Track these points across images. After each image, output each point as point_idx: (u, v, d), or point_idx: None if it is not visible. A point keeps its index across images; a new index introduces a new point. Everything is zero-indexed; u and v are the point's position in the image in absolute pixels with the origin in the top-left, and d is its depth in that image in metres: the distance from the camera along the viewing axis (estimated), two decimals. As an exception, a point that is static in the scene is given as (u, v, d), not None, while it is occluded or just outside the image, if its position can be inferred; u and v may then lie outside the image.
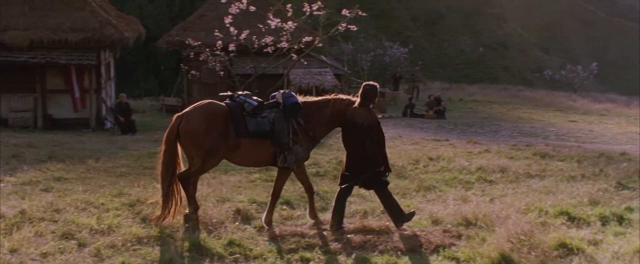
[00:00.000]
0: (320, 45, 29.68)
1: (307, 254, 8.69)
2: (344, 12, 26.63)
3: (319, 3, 26.81)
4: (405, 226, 9.99)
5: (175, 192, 9.91)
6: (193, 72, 32.41)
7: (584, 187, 13.09)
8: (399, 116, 34.16)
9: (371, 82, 10.50)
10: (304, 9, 26.92)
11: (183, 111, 9.92)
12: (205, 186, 12.12)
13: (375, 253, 8.82)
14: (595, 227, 10.22)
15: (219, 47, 27.85)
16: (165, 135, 9.95)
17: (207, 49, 28.51)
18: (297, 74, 34.39)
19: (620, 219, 10.67)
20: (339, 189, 10.33)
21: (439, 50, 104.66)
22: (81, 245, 8.66)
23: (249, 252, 8.75)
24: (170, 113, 34.23)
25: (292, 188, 12.59)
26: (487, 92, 56.29)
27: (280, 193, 10.51)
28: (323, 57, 39.65)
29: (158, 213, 9.90)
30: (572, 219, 10.66)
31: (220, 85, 36.11)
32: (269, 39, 27.02)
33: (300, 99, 10.30)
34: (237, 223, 10.01)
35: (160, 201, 9.90)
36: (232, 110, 9.80)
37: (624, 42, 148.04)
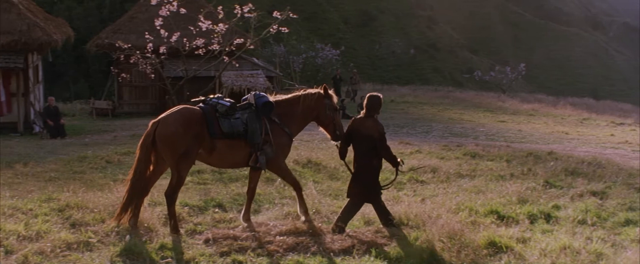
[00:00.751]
0: (252, 47, 29.60)
1: (240, 257, 8.68)
2: (275, 14, 26.59)
3: (250, 5, 26.74)
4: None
5: (139, 203, 9.95)
6: (124, 75, 32.06)
7: (512, 186, 13.32)
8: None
9: (375, 93, 10.80)
10: (235, 11, 26.81)
11: (158, 117, 9.96)
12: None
13: (308, 255, 8.85)
14: (524, 225, 10.42)
15: (149, 50, 27.57)
16: (141, 142, 9.94)
17: (138, 52, 28.19)
18: (229, 76, 34.27)
19: (548, 217, 10.90)
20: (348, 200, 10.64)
21: (371, 51, 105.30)
22: (8, 252, 8.48)
23: (181, 256, 8.70)
24: (100, 116, 33.90)
25: (225, 191, 12.55)
26: (418, 94, 56.80)
27: (255, 192, 10.76)
28: (255, 60, 39.63)
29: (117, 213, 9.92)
30: (502, 218, 10.85)
31: (152, 88, 35.91)
32: (200, 42, 26.84)
33: (272, 98, 10.57)
34: (169, 227, 9.91)
35: (121, 204, 9.93)
36: (206, 113, 9.90)
37: (551, 43, 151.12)
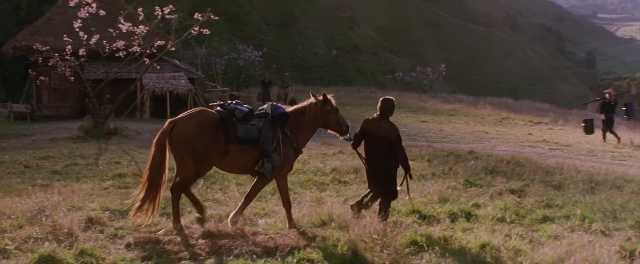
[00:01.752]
0: (173, 49, 29.23)
1: (162, 261, 8.60)
2: (196, 15, 26.35)
3: (171, 6, 26.47)
4: (260, 229, 10.06)
5: (157, 197, 10.16)
6: (42, 77, 31.37)
7: (434, 185, 13.53)
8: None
9: (389, 97, 11.39)
10: (156, 13, 26.48)
11: (176, 117, 10.21)
12: (56, 195, 11.76)
13: (231, 258, 8.82)
14: (445, 224, 10.59)
15: (68, 52, 27.02)
16: (156, 139, 10.19)
17: (56, 54, 27.60)
18: (150, 78, 33.92)
19: (468, 216, 11.10)
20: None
21: (293, 53, 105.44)
22: None
23: (102, 261, 8.58)
24: (18, 120, 33.11)
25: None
26: (341, 95, 56.87)
27: (253, 198, 10.84)
28: (177, 61, 39.27)
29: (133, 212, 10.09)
30: (423, 217, 11.00)
31: (71, 91, 35.27)
32: (120, 43, 26.39)
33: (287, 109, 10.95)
34: (89, 232, 9.76)
35: (138, 203, 10.05)
36: (223, 117, 10.21)
37: (470, 44, 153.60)
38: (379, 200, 10.87)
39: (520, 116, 41.99)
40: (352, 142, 11.44)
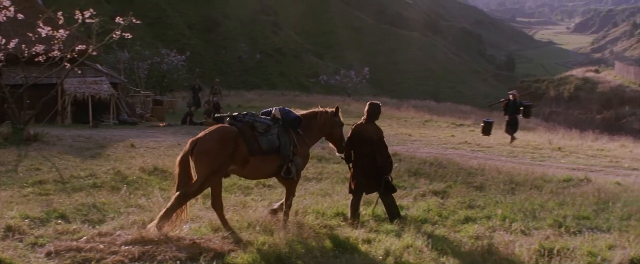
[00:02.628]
0: (95, 53, 28.86)
1: (84, 269, 8.49)
2: (118, 19, 26.06)
3: (92, 10, 26.10)
4: (184, 234, 9.99)
5: (183, 211, 10.33)
6: (-42, 83, 30.65)
7: (358, 188, 13.60)
8: (178, 124, 33.89)
9: (376, 101, 12.12)
10: (76, 17, 26.06)
11: (196, 137, 10.50)
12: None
13: (154, 264, 8.75)
14: (369, 226, 10.68)
15: (-15, 57, 26.46)
16: (179, 158, 10.41)
17: (-27, 59, 27.01)
18: (71, 83, 33.36)
19: (391, 218, 11.20)
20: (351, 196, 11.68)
21: (217, 57, 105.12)
22: None
23: (22, 270, 8.42)
24: None
25: (68, 201, 12.22)
26: (265, 98, 57.07)
27: (292, 200, 11.15)
28: (98, 66, 38.71)
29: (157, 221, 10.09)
30: (348, 219, 11.08)
31: (-11, 96, 34.44)
32: (40, 48, 25.91)
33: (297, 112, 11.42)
34: (8, 241, 9.56)
35: (163, 212, 10.12)
36: (243, 131, 10.50)
37: (393, 47, 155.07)
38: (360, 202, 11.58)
39: (442, 118, 42.66)
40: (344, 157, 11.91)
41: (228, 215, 10.88)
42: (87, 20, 26.20)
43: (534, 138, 30.24)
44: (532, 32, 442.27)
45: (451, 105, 69.35)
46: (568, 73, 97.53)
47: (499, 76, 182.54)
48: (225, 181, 15.02)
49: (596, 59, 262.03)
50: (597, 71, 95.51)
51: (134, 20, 26.24)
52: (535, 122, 55.13)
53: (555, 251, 9.10)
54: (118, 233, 10.08)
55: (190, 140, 10.57)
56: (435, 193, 13.50)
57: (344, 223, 10.95)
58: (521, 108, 27.80)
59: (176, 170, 10.46)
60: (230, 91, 64.51)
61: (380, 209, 11.65)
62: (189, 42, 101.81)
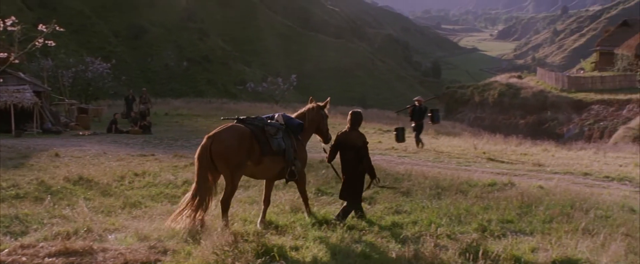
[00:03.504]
0: (17, 61, 28.30)
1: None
2: (41, 27, 25.60)
3: (13, 18, 25.60)
4: (108, 245, 9.86)
5: (206, 204, 10.94)
6: None
7: (286, 195, 13.55)
8: (103, 132, 33.46)
9: (357, 109, 12.72)
10: (-3, 24, 25.54)
11: (212, 133, 10.94)
12: None
13: (78, 275, 8.62)
14: (297, 233, 10.68)
15: None
16: (198, 154, 10.89)
17: None
18: (-7, 91, 32.68)
19: (320, 224, 11.22)
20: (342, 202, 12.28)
21: (143, 64, 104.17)
22: None
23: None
24: None
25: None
26: (193, 106, 56.74)
27: (306, 195, 12.26)
28: (21, 74, 37.98)
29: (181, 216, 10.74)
30: (276, 227, 11.07)
31: None
32: (-41, 56, 25.33)
33: (294, 116, 12.20)
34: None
35: (190, 208, 10.76)
36: (256, 132, 11.16)
37: (320, 54, 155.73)
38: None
39: (370, 125, 42.89)
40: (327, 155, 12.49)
41: (154, 224, 10.80)
42: (9, 28, 25.68)
43: (460, 143, 30.65)
44: (457, 39, 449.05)
45: (378, 111, 69.70)
46: (492, 79, 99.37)
47: (425, 82, 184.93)
48: (152, 190, 14.94)
49: (519, 65, 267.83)
50: (520, 77, 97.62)
51: (57, 28, 25.81)
52: (461, 128, 55.97)
53: (480, 255, 9.24)
54: (41, 244, 9.88)
55: (206, 136, 10.92)
56: (363, 200, 13.57)
57: (272, 230, 10.93)
58: (429, 114, 28.07)
59: (196, 165, 11.00)
60: (157, 99, 63.84)
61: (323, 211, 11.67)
62: (115, 50, 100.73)
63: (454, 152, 26.26)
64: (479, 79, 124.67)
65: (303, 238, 10.44)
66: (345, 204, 12.04)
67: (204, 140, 10.88)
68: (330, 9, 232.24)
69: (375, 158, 23.04)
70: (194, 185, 11.06)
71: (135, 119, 34.77)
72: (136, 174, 17.02)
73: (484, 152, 26.00)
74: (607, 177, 20.87)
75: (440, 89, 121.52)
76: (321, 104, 12.56)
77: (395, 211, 12.55)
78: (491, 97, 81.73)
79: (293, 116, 12.15)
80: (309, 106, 12.45)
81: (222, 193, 11.12)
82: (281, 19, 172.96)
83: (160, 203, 13.34)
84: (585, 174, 21.27)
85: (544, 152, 28.33)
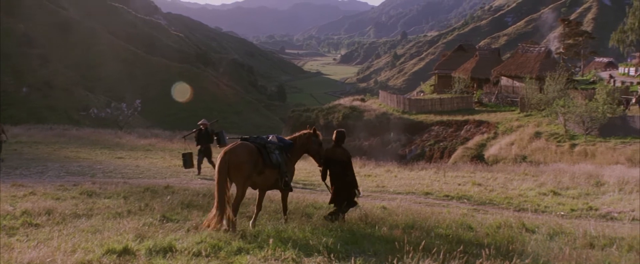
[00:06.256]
0: None
1: None
2: None
3: None
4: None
5: (227, 208, 13.04)
6: None
7: (130, 223, 13.34)
8: None
9: (341, 129, 14.79)
10: None
11: (228, 148, 13.30)
12: None
13: None
14: (142, 261, 10.53)
15: None
16: (218, 167, 13.03)
17: None
18: None
19: (166, 251, 11.10)
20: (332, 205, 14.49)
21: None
22: None
23: None
24: None
25: None
26: (33, 133, 54.87)
27: (287, 203, 14.78)
28: None
29: (211, 222, 12.96)
30: (120, 255, 10.88)
31: None
32: None
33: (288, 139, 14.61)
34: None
35: (215, 214, 13.01)
36: (260, 148, 13.57)
37: (165, 79, 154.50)
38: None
39: (216, 149, 42.79)
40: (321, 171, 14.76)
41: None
42: None
43: (306, 166, 31.02)
44: (301, 63, 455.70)
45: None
46: (336, 102, 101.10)
47: (271, 106, 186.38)
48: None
49: (362, 88, 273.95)
50: (363, 100, 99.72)
51: None
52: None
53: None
54: None
55: (223, 151, 13.12)
56: (208, 225, 13.54)
57: (116, 259, 10.73)
58: (214, 137, 28.06)
59: (216, 177, 13.02)
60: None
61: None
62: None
63: (300, 175, 26.56)
64: (324, 102, 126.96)
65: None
66: (334, 208, 14.28)
67: (221, 155, 13.06)
68: (175, 34, 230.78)
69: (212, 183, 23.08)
70: (216, 192, 13.09)
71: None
72: (-31, 207, 16.29)
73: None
74: (447, 196, 21.74)
75: (285, 112, 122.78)
76: (311, 132, 14.64)
77: (242, 236, 12.55)
78: (336, 119, 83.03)
79: (287, 138, 14.50)
80: (303, 132, 14.73)
81: (234, 198, 13.16)
82: (124, 44, 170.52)
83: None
84: (427, 193, 22.06)
85: (387, 172, 29.10)
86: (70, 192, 18.61)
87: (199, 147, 28.51)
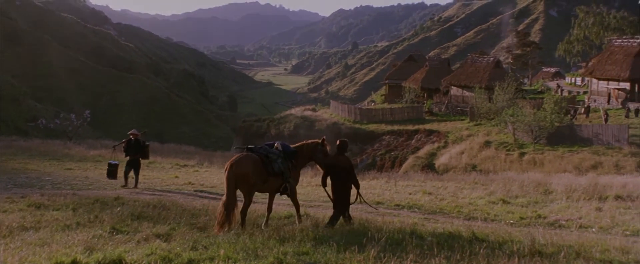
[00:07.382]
0: None
1: None
2: None
3: None
4: None
5: (234, 215, 14.33)
6: None
7: (79, 235, 13.16)
8: None
9: (344, 139, 15.95)
10: None
11: (234, 159, 14.53)
12: None
13: None
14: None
15: None
16: (226, 177, 14.35)
17: None
18: None
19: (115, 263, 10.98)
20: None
21: None
22: None
23: None
24: None
25: None
26: (-22, 145, 53.97)
27: (298, 203, 16.17)
28: None
29: (218, 227, 14.17)
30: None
31: None
32: None
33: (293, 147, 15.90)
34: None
35: (222, 219, 14.22)
36: (263, 158, 14.80)
37: (115, 89, 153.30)
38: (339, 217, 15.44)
39: (167, 159, 42.65)
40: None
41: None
42: None
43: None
44: (252, 73, 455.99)
45: (175, 146, 69.37)
46: (288, 112, 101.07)
47: (222, 116, 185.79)
48: None
49: (313, 98, 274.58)
50: (314, 110, 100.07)
51: None
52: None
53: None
54: None
55: (229, 162, 14.39)
56: (159, 236, 13.36)
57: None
58: (142, 149, 27.33)
59: (225, 185, 14.38)
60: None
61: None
62: None
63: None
64: (275, 112, 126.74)
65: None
66: (335, 211, 15.41)
67: (228, 167, 14.30)
68: (124, 45, 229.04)
69: (170, 194, 22.96)
70: (224, 198, 14.31)
71: None
72: None
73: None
74: (398, 205, 21.92)
75: (237, 122, 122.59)
76: (319, 141, 16.01)
77: (193, 248, 12.44)
78: (287, 129, 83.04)
79: (293, 146, 15.77)
80: (311, 141, 16.16)
81: (242, 205, 14.54)
82: (74, 54, 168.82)
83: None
84: (378, 203, 22.17)
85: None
86: (17, 205, 18.30)
87: (127, 158, 27.32)
